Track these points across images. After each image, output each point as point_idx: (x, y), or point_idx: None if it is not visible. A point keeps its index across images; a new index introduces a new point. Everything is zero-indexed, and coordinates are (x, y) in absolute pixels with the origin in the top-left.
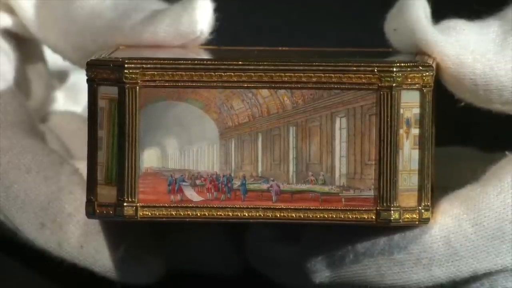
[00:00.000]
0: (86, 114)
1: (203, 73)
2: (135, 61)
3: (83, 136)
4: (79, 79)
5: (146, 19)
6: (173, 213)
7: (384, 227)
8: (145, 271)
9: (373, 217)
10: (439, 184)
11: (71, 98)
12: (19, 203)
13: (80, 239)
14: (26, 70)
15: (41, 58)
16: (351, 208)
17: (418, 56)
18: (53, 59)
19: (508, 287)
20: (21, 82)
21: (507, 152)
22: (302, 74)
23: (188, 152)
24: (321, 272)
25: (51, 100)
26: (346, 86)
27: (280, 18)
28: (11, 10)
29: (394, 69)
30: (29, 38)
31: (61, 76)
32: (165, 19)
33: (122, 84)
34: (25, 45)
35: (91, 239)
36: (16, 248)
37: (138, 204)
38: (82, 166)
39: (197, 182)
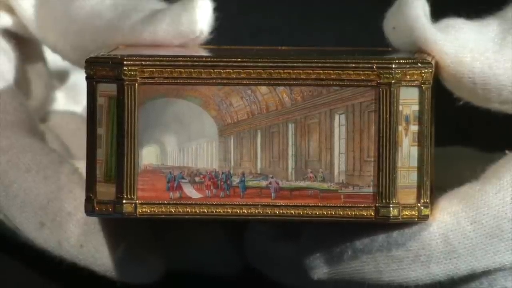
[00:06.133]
0: (85, 114)
1: (202, 70)
2: (134, 58)
3: (83, 135)
4: (79, 79)
5: (145, 19)
6: (172, 210)
7: (383, 224)
8: (145, 271)
9: (372, 213)
10: (439, 184)
11: (71, 98)
12: (18, 202)
13: (80, 238)
14: (26, 70)
15: (41, 58)
16: (350, 205)
17: (417, 54)
18: (53, 59)
19: (507, 286)
20: (21, 82)
21: (506, 151)
22: (301, 71)
23: (187, 149)
24: (319, 268)
25: (51, 100)
26: (345, 83)
27: (279, 18)
28: (11, 10)
29: (393, 66)
30: (29, 38)
31: (61, 76)
32: (164, 18)
33: (121, 81)
34: (25, 45)
35: (91, 238)
36: (16, 248)
37: (137, 201)
38: (82, 166)
39: (196, 179)
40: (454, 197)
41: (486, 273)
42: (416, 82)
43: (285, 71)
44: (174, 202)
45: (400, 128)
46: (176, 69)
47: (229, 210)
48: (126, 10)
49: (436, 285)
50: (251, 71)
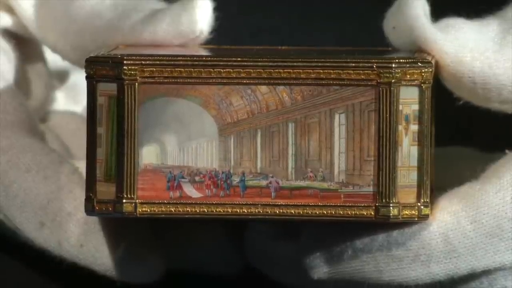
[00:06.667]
0: (85, 113)
1: (202, 70)
2: (134, 57)
3: (83, 135)
4: (79, 79)
5: (145, 19)
6: (172, 209)
7: (383, 223)
8: (145, 270)
9: (372, 213)
10: (439, 184)
11: (71, 98)
12: (18, 202)
13: (80, 238)
14: (26, 70)
15: (41, 58)
16: (350, 204)
17: (417, 54)
18: (53, 59)
19: (507, 286)
20: (21, 82)
21: (506, 151)
22: (301, 71)
23: (187, 149)
24: (319, 268)
25: (51, 100)
26: (345, 82)
27: (279, 18)
28: (11, 10)
29: (393, 65)
30: (29, 38)
31: (61, 76)
32: (164, 18)
33: (121, 81)
34: (25, 45)
35: (91, 238)
36: (16, 248)
37: (137, 201)
38: (82, 166)
39: (196, 178)
40: (454, 197)
41: (486, 272)
42: (416, 81)
43: (285, 70)
44: (174, 201)
45: (400, 127)
46: (176, 69)
47: (229, 210)
48: (126, 10)
49: (436, 285)
50: (251, 70)
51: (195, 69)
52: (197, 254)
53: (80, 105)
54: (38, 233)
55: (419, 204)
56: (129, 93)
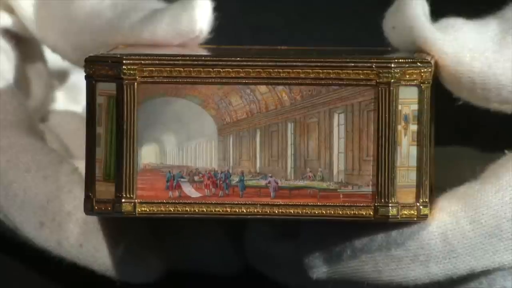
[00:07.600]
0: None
1: (201, 69)
2: (133, 57)
3: (83, 135)
4: (79, 79)
5: (145, 19)
6: (171, 209)
7: (382, 223)
8: (145, 270)
9: (371, 213)
10: (439, 184)
11: (71, 98)
12: (18, 202)
13: (79, 238)
14: (26, 69)
15: (41, 58)
16: (349, 204)
17: (417, 54)
18: (53, 59)
19: (506, 286)
20: (21, 82)
21: (506, 151)
22: (300, 70)
23: (187, 148)
24: (318, 267)
25: (51, 99)
26: (344, 82)
27: (279, 18)
28: (11, 10)
29: (392, 65)
30: (29, 37)
31: (61, 76)
32: (164, 18)
33: (120, 80)
34: (25, 45)
35: (91, 238)
36: (15, 247)
37: (136, 200)
38: (82, 165)
39: (195, 178)
40: (453, 197)
41: (485, 272)
42: (415, 81)
43: (284, 70)
44: (173, 201)
45: (399, 127)
46: (176, 68)
47: (228, 210)
48: (126, 9)
49: (435, 285)
50: (250, 70)
51: (195, 69)
52: (197, 254)
53: (80, 105)
54: (37, 233)
55: (418, 204)
56: (128, 92)
